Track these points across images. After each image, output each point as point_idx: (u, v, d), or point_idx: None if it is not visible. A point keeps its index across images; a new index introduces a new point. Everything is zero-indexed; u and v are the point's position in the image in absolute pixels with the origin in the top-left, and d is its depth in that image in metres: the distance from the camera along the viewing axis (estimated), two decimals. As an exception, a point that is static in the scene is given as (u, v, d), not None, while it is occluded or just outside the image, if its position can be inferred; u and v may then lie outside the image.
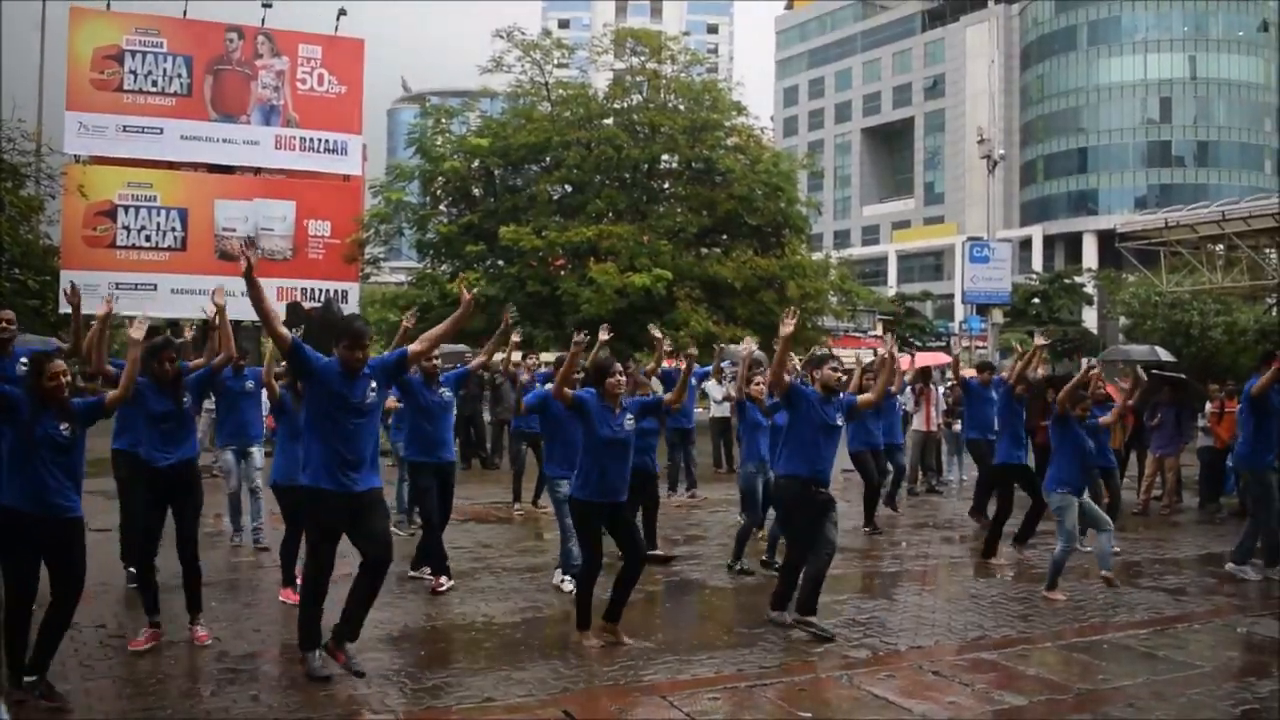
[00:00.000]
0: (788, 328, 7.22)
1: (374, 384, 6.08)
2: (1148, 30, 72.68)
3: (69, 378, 5.79)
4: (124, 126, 33.01)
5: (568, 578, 8.35)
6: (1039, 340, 10.45)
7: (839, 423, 7.56)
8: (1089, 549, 9.72)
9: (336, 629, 5.99)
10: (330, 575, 6.09)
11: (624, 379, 7.13)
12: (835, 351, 8.39)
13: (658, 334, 9.87)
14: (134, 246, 33.21)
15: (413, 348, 6.43)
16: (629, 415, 7.00)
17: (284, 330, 6.07)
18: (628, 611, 7.00)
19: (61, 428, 5.63)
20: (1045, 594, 8.56)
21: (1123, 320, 44.02)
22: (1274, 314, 35.66)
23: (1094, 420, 9.32)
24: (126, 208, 33.17)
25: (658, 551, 9.89)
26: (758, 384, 9.41)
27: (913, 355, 20.53)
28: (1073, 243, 72.40)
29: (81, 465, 5.77)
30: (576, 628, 6.90)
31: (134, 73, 33.36)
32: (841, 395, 7.78)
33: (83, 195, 30.87)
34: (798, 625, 7.29)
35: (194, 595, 6.79)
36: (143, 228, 33.31)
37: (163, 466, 6.72)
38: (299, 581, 7.12)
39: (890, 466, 13.29)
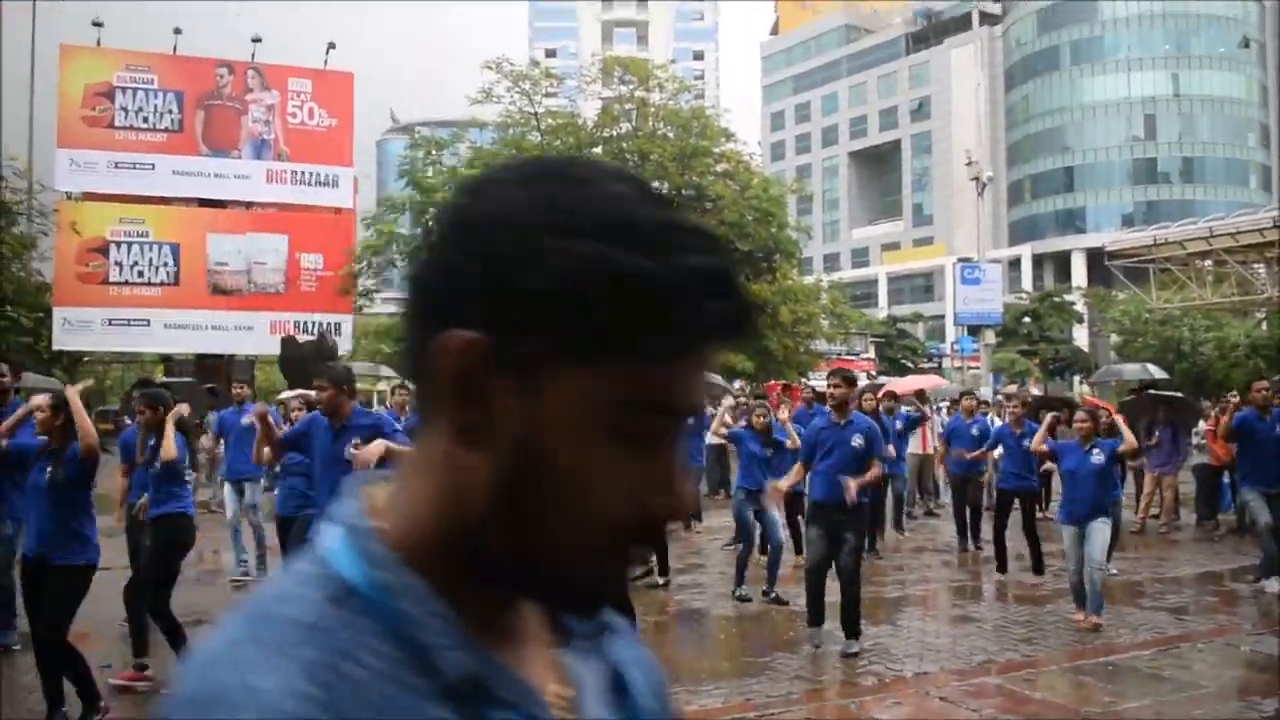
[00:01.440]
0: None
1: (358, 441, 5.99)
2: (1130, 49, 73.26)
3: (43, 414, 5.86)
4: (115, 163, 33.10)
5: None
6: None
7: (856, 444, 7.68)
8: (1113, 572, 9.91)
9: None
10: None
11: None
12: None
13: None
14: (126, 283, 33.23)
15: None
16: None
17: (275, 440, 6.36)
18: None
19: (46, 471, 5.72)
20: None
21: (1114, 338, 44.21)
22: (1264, 328, 35.87)
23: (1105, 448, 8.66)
24: (119, 244, 33.21)
25: (659, 580, 10.02)
26: (759, 415, 9.63)
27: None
28: (1061, 261, 72.78)
29: (70, 508, 5.77)
30: None
31: (125, 109, 33.48)
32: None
33: (75, 232, 30.92)
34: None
35: (135, 637, 6.86)
36: (135, 263, 33.34)
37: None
38: None
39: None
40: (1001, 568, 10.60)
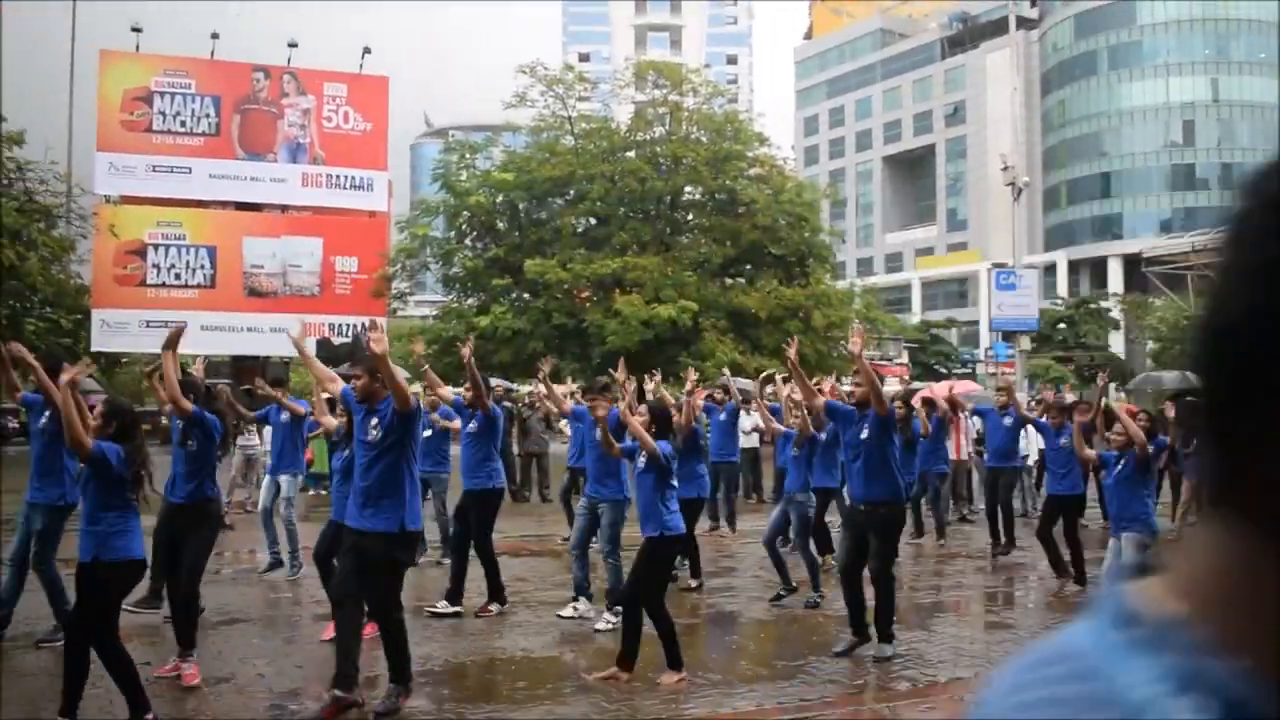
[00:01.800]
0: (793, 353, 7.60)
1: (375, 421, 6.08)
2: (1169, 54, 72.57)
3: (95, 424, 5.87)
4: (153, 166, 33.51)
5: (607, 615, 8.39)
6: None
7: (863, 436, 7.62)
8: None
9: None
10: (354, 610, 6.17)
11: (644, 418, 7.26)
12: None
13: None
14: (164, 285, 33.61)
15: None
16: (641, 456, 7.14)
17: (327, 376, 6.44)
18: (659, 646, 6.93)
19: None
20: None
21: (1150, 345, 43.85)
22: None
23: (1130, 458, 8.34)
24: (156, 246, 33.59)
25: (691, 583, 10.00)
26: (796, 416, 9.58)
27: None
28: (1098, 267, 72.20)
29: (89, 504, 5.78)
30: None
31: (163, 113, 33.88)
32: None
33: (114, 235, 31.26)
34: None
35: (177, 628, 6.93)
36: (172, 266, 33.73)
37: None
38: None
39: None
40: (1060, 571, 10.32)
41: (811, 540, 9.81)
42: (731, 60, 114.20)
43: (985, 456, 13.27)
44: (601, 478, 8.52)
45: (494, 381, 20.86)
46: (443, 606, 8.97)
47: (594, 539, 8.82)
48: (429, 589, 9.86)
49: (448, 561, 9.83)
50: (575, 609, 8.46)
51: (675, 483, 7.19)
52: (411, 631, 8.03)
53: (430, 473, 10.62)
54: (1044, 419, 11.14)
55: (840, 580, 7.71)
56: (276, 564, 10.54)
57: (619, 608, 8.28)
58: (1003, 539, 12.21)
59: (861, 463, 7.54)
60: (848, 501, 8.68)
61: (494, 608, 8.90)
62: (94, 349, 32.60)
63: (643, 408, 7.45)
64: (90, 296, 33.08)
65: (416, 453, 6.33)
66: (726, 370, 13.87)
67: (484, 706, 6.24)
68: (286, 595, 9.83)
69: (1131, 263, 60.20)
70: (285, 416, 10.68)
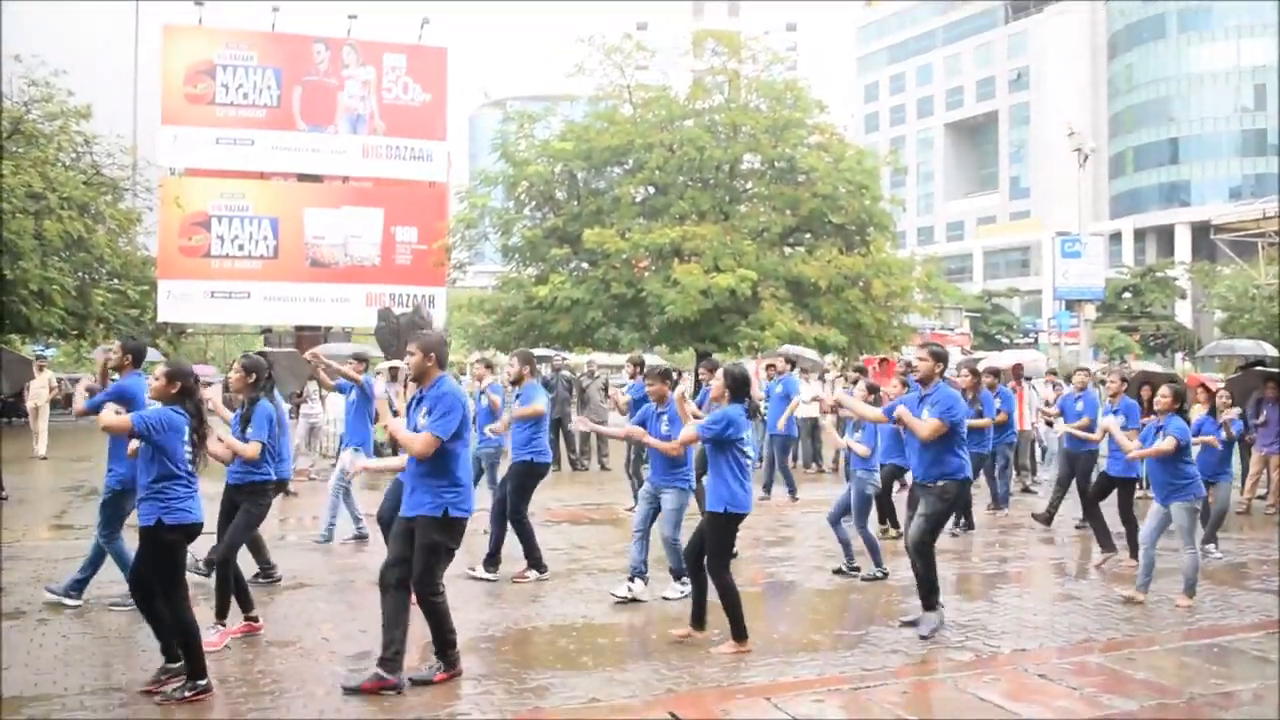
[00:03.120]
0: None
1: (426, 409, 5.97)
2: (1240, 16, 70.75)
3: (159, 381, 5.91)
4: (217, 139, 33.95)
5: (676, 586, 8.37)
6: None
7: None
8: (1218, 555, 10.18)
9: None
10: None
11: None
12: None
13: None
14: (227, 256, 34.09)
15: None
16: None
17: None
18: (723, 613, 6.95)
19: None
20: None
21: (1218, 314, 42.98)
22: (1379, 305, 34.51)
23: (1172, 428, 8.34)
24: (220, 217, 34.05)
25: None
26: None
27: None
28: (1164, 235, 70.84)
29: (151, 470, 5.76)
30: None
31: (225, 86, 34.26)
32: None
33: (178, 206, 31.69)
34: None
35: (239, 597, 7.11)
36: (236, 237, 34.18)
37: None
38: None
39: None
40: (1105, 546, 10.28)
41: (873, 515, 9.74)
42: (791, 28, 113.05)
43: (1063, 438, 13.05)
44: (666, 467, 8.18)
45: (549, 352, 20.97)
46: (479, 571, 9.02)
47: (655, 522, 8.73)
48: (477, 555, 9.93)
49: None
50: (630, 590, 8.30)
51: (748, 454, 7.12)
52: (473, 598, 8.15)
53: (482, 449, 10.64)
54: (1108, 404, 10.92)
55: (908, 552, 7.60)
56: (361, 535, 10.82)
57: (687, 577, 8.28)
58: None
59: (921, 444, 7.41)
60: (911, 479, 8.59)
61: (531, 574, 9.00)
62: (160, 319, 33.23)
63: (720, 371, 7.29)
64: (156, 267, 33.64)
65: (467, 437, 6.22)
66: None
67: (544, 672, 6.28)
68: (351, 561, 9.96)
69: (1199, 230, 58.92)
70: (354, 394, 10.98)
